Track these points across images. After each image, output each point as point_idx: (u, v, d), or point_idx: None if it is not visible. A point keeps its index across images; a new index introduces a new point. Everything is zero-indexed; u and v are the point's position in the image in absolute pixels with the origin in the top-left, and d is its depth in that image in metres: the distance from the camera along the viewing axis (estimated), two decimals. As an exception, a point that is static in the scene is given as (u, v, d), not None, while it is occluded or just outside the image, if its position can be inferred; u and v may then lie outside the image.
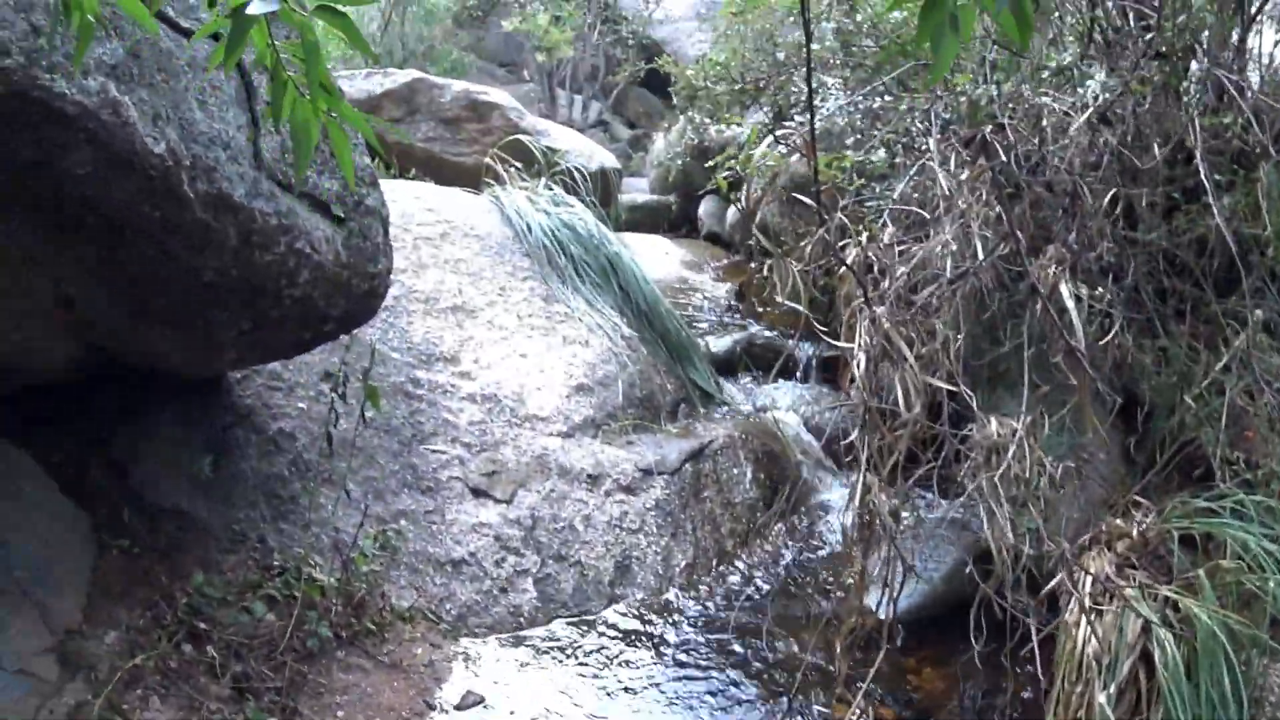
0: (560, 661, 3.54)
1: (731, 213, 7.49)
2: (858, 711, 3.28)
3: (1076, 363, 3.59)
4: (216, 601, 3.12)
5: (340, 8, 1.51)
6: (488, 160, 6.23)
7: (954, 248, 3.33)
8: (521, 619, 3.72)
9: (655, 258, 7.10)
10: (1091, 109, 3.56)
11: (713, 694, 3.48)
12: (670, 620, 3.87)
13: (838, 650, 3.27)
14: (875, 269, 3.37)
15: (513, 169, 6.10)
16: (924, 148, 4.17)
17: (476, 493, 4.03)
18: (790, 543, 4.51)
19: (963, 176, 3.35)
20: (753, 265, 6.65)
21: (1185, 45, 4.03)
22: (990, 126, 3.48)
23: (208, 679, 2.92)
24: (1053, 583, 3.26)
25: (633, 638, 3.73)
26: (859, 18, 5.30)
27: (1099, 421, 3.91)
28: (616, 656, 3.61)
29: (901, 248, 3.40)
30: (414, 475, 3.97)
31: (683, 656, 3.66)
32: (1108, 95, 3.62)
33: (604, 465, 4.35)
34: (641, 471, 4.40)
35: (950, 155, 3.50)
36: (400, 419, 4.14)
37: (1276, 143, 3.84)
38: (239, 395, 3.75)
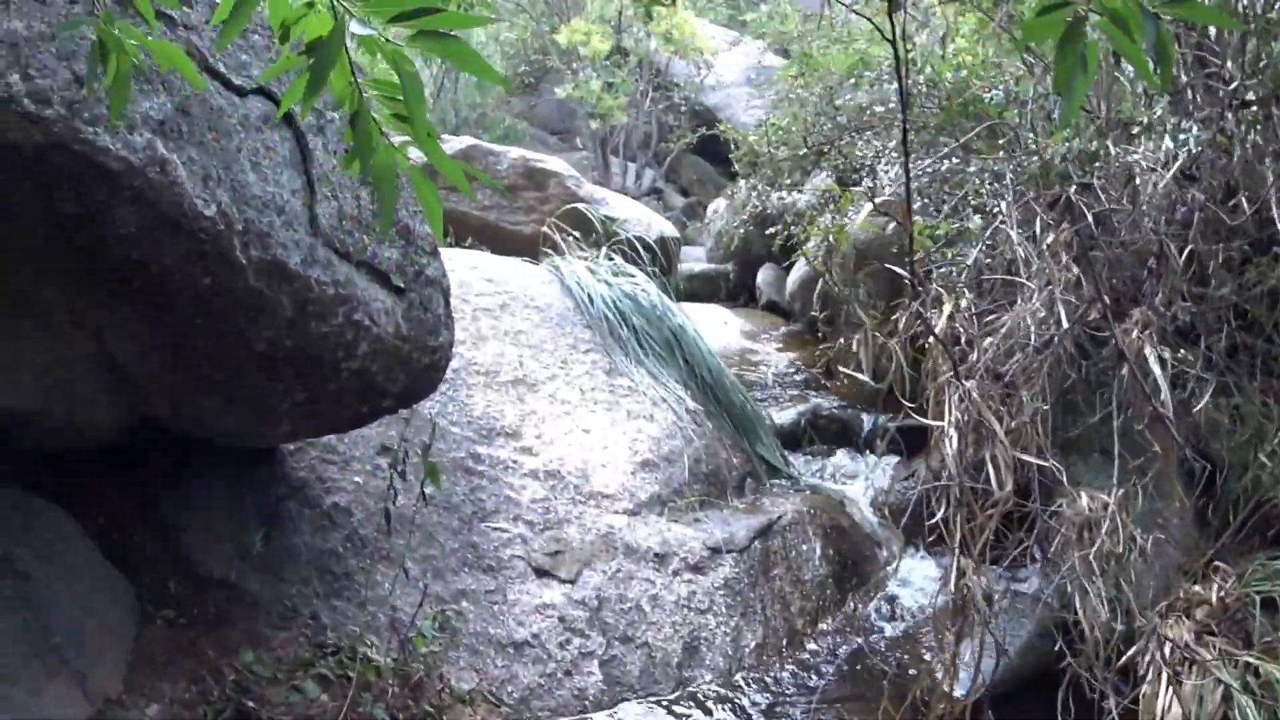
0: (629, 748, 3.39)
1: (791, 281, 7.35)
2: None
3: (1164, 429, 3.43)
4: (266, 680, 3.00)
5: (449, 31, 1.29)
6: (545, 229, 6.16)
7: (1041, 315, 3.18)
8: (587, 702, 3.58)
9: (715, 327, 6.98)
10: (1177, 164, 3.40)
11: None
12: (740, 703, 3.71)
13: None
14: (962, 340, 3.22)
15: (571, 238, 6.03)
16: (994, 210, 4.05)
17: (540, 572, 3.91)
18: (862, 621, 4.32)
19: (1049, 240, 3.20)
20: (819, 335, 6.50)
21: (1270, 93, 3.88)
22: (1074, 187, 3.33)
23: (257, 763, 2.80)
24: (1130, 652, 3.16)
25: (703, 724, 3.57)
26: (920, 78, 5.21)
27: (1182, 490, 3.74)
28: (687, 745, 3.44)
29: (987, 317, 3.25)
30: (475, 554, 3.86)
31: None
32: (1193, 149, 3.47)
33: (671, 544, 4.21)
34: (709, 550, 4.25)
35: (1033, 218, 3.36)
36: (460, 496, 4.04)
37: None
38: (292, 467, 3.67)
